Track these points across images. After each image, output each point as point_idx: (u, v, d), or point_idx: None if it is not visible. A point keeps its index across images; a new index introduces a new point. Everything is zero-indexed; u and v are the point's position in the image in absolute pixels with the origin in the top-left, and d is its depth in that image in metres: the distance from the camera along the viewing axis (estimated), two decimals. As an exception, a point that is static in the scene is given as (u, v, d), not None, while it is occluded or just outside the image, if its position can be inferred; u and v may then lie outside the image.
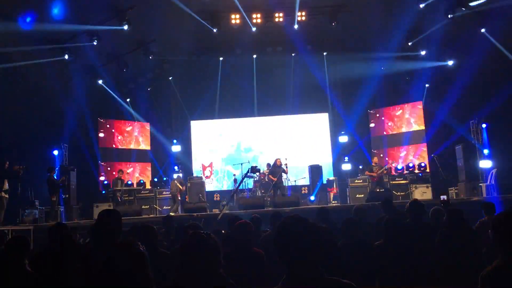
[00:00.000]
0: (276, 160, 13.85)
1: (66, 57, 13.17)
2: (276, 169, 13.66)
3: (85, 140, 15.06)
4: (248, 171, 11.72)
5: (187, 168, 16.77)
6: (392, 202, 5.82)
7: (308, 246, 1.94)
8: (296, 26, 13.94)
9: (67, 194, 13.27)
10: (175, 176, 14.83)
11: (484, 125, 14.08)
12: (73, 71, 13.99)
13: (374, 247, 4.21)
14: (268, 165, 14.58)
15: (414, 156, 15.88)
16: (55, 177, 12.81)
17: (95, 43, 13.13)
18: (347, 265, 4.24)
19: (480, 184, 12.84)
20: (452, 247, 4.51)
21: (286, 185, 14.35)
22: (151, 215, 13.39)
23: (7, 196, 11.38)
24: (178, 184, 13.99)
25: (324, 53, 16.33)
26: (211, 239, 2.15)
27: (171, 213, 11.97)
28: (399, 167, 15.16)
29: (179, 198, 13.98)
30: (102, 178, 15.41)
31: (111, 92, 15.67)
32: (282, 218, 2.08)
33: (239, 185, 13.36)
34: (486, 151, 13.79)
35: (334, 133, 17.39)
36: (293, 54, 16.31)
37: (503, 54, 13.19)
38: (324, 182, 14.86)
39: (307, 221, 2.01)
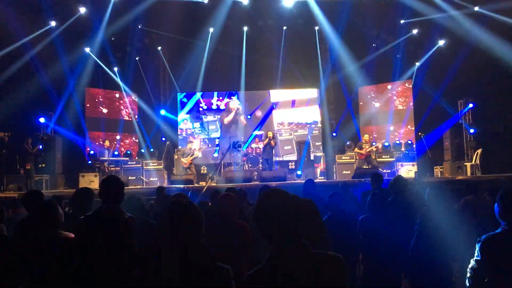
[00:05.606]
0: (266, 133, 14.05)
1: (53, 23, 12.88)
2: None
3: (72, 109, 14.81)
4: (229, 147, 11.70)
5: (174, 141, 16.67)
6: (382, 176, 5.85)
7: (289, 219, 1.84)
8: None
9: (43, 163, 13.01)
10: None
11: (470, 105, 14.14)
12: (59, 39, 13.66)
13: (359, 220, 4.26)
14: (259, 137, 14.62)
15: (401, 134, 15.97)
16: (31, 146, 12.55)
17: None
18: (331, 238, 4.29)
19: (465, 164, 12.99)
20: (431, 224, 4.58)
21: (274, 159, 14.40)
22: (138, 186, 13.37)
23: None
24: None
25: (316, 28, 16.13)
26: (192, 207, 2.08)
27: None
28: (386, 144, 15.24)
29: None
30: (88, 148, 15.26)
31: (98, 61, 15.38)
32: (260, 193, 2.03)
33: (221, 160, 13.35)
34: (471, 131, 13.91)
35: (324, 108, 17.34)
36: (284, 28, 16.10)
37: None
38: (312, 158, 14.91)
39: (287, 194, 1.92)
